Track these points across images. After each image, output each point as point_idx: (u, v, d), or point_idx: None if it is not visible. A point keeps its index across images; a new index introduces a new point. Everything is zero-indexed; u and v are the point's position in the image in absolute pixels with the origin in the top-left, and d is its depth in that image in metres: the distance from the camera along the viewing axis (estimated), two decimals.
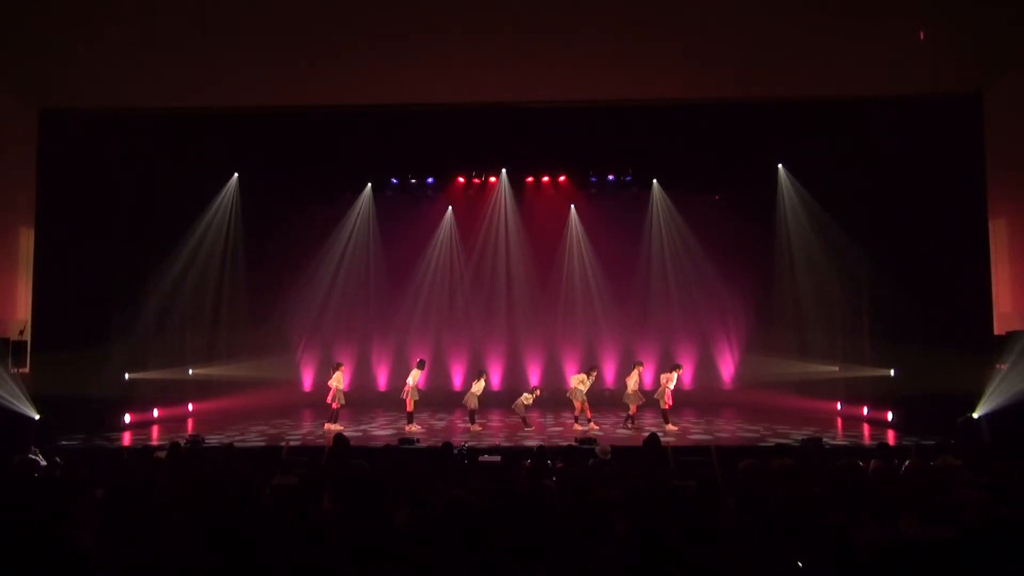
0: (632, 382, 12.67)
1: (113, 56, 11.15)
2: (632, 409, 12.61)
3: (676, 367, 13.01)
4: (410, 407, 12.75)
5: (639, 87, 11.53)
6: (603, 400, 14.47)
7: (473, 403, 12.69)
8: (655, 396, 12.67)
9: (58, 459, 8.27)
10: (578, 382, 12.64)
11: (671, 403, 12.51)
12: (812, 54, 11.12)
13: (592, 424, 12.47)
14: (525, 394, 12.67)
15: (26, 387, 11.15)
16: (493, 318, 16.91)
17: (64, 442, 10.92)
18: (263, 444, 10.97)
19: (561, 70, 11.35)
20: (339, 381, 12.78)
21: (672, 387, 12.52)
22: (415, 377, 12.93)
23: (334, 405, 12.65)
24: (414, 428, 12.40)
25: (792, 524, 4.88)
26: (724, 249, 16.11)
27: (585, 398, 12.56)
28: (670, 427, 12.25)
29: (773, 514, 5.05)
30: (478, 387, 12.86)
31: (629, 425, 12.53)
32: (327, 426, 12.36)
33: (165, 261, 13.85)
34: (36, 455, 8.05)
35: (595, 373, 13.27)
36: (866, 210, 13.05)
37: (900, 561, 4.29)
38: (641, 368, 13.16)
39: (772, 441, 10.69)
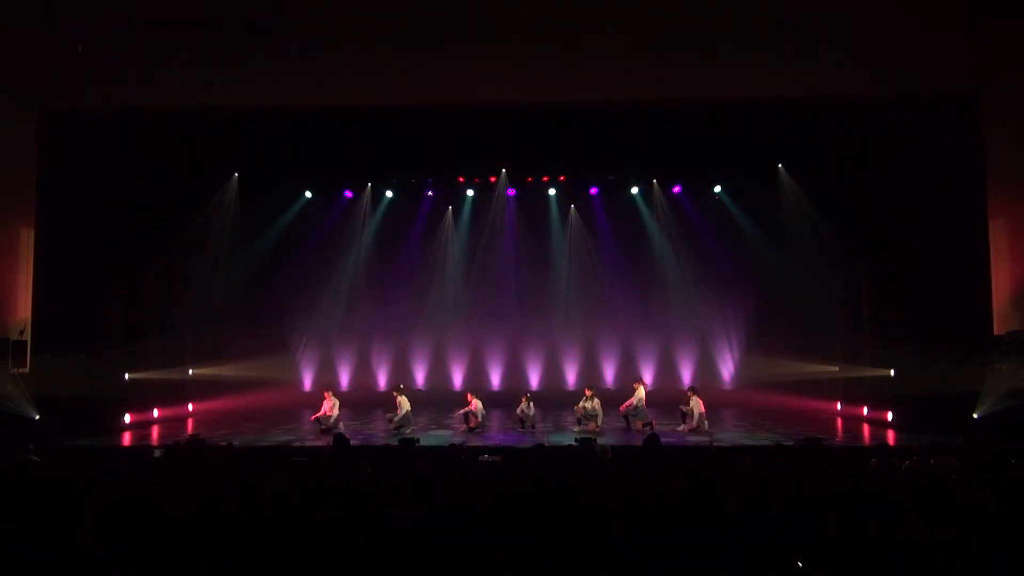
0: (637, 397, 12.40)
1: (113, 56, 11.17)
2: (639, 424, 12.33)
3: (692, 389, 12.54)
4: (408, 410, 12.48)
5: (640, 88, 11.56)
6: (605, 403, 14.42)
7: (473, 421, 12.12)
8: (683, 408, 12.28)
9: (57, 459, 8.25)
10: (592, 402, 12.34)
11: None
12: (812, 55, 11.14)
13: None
14: (523, 407, 12.31)
15: (26, 387, 11.15)
16: (493, 318, 16.89)
17: (64, 442, 10.91)
18: (263, 444, 10.95)
19: (561, 71, 11.36)
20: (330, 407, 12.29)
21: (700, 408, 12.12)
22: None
23: (312, 417, 12.28)
24: (404, 430, 12.20)
25: (792, 524, 4.87)
26: (724, 249, 16.11)
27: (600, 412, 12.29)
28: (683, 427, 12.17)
29: (773, 514, 5.05)
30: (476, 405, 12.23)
31: (645, 428, 12.40)
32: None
33: (165, 261, 13.85)
34: (35, 455, 8.04)
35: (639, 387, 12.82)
36: (865, 211, 13.05)
37: (900, 561, 4.29)
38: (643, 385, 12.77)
39: (772, 441, 10.68)
